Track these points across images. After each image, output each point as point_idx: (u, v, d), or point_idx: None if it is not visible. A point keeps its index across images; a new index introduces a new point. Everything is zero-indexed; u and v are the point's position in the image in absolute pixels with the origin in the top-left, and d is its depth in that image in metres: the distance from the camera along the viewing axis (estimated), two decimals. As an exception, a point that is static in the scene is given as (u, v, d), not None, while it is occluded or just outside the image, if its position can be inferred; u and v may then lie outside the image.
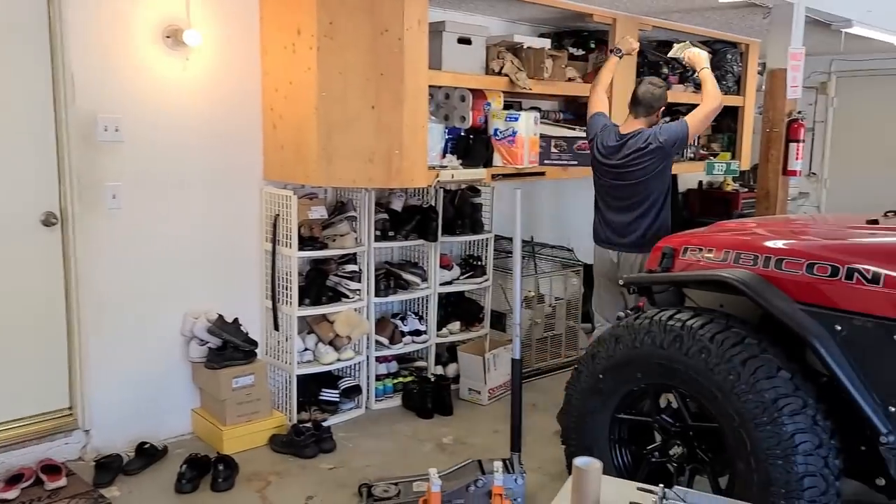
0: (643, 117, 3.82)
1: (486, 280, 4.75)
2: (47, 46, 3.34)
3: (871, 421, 2.41)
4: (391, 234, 4.28)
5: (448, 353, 4.74)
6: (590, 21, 4.58)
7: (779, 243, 2.76)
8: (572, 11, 4.47)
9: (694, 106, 3.98)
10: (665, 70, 5.14)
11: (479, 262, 4.76)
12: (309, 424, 3.85)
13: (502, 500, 2.75)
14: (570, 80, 4.63)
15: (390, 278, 4.35)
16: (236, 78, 3.85)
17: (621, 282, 3.25)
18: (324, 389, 4.11)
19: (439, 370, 4.58)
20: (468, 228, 4.61)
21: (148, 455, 3.55)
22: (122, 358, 3.64)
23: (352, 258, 4.15)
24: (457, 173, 3.94)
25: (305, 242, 3.92)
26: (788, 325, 2.53)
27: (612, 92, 4.28)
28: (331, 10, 3.54)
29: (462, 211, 4.65)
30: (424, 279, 4.45)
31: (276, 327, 4.01)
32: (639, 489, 2.07)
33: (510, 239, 4.88)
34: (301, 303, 3.94)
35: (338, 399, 4.12)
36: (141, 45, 3.53)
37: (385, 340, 4.33)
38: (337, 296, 4.08)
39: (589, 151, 4.02)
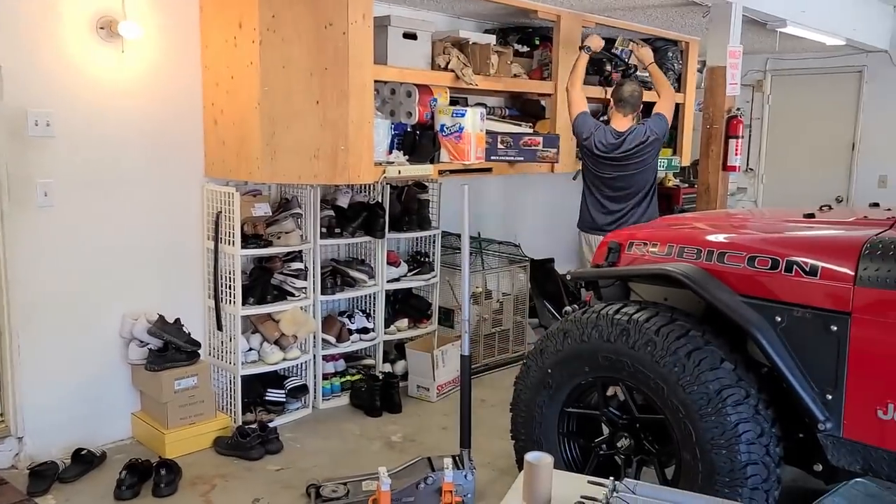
0: (631, 114, 4.28)
1: (433, 276, 4.74)
2: (-28, 37, 3.19)
3: (810, 409, 2.49)
4: (337, 231, 4.23)
5: (396, 351, 4.73)
6: (534, 17, 4.61)
7: (720, 237, 2.82)
8: (516, 8, 4.50)
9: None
10: (608, 67, 5.19)
11: (427, 259, 4.75)
12: (255, 425, 3.78)
13: (452, 496, 2.74)
14: (515, 76, 4.67)
15: (337, 276, 4.31)
16: (175, 72, 3.76)
17: (569, 276, 3.29)
18: (269, 389, 4.06)
19: (387, 368, 4.55)
20: (415, 225, 4.59)
21: (85, 461, 3.44)
22: (57, 361, 3.52)
23: (297, 256, 4.10)
24: (403, 169, 3.91)
25: (249, 240, 3.85)
26: (731, 317, 2.59)
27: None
28: (273, 4, 3.48)
29: (409, 207, 4.63)
30: (371, 276, 4.42)
31: (220, 327, 3.92)
32: (590, 482, 2.08)
33: (458, 235, 4.89)
34: (245, 302, 3.87)
35: (284, 399, 4.07)
36: (72, 37, 3.40)
37: (332, 339, 4.29)
38: (282, 294, 4.02)
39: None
